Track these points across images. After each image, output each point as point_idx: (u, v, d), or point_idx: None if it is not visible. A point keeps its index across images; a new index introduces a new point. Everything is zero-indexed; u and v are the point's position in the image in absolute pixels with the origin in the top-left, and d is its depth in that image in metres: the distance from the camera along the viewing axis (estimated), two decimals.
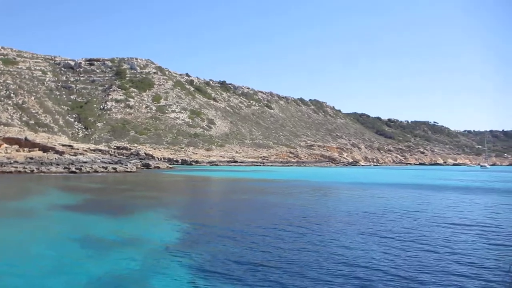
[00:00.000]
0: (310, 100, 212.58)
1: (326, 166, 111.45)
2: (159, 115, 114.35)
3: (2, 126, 62.65)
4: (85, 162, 47.69)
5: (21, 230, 15.77)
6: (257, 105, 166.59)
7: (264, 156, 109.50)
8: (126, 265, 11.15)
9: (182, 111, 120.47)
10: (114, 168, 48.01)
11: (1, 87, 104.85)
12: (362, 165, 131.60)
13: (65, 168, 44.23)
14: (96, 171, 45.83)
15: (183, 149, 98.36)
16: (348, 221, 17.00)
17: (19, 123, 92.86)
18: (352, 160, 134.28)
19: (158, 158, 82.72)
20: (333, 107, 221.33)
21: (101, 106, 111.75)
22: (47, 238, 14.36)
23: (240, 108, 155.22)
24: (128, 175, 46.01)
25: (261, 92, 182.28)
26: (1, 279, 10.29)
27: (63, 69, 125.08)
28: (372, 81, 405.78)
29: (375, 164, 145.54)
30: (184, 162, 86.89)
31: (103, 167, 47.54)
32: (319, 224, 16.61)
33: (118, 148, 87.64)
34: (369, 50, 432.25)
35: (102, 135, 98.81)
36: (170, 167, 68.00)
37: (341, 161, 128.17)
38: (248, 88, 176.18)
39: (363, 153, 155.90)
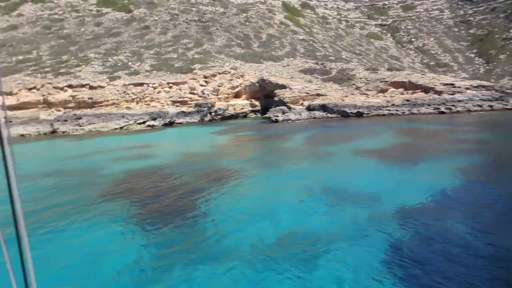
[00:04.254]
0: None
1: None
2: None
3: (394, 71, 67.83)
4: (459, 101, 45.98)
5: (287, 173, 18.32)
6: None
7: None
8: (333, 226, 11.52)
9: None
10: (491, 106, 44.05)
11: (403, 34, 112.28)
12: None
13: (434, 108, 44.40)
14: (469, 110, 43.58)
15: None
16: None
17: (420, 65, 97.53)
18: None
19: None
20: None
21: (503, 36, 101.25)
22: (297, 185, 16.21)
23: None
24: (504, 113, 41.40)
25: None
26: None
27: (459, 3, 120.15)
28: None
29: None
30: None
31: (478, 105, 44.56)
32: None
33: None
34: None
35: (505, 68, 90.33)
36: None
37: None
38: None
39: None
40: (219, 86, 56.98)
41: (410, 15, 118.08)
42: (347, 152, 22.62)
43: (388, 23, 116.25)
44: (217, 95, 55.94)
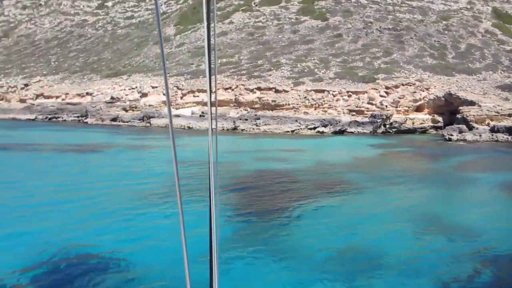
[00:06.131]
0: None
1: None
2: None
3: None
4: None
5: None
6: None
7: None
8: None
9: None
10: None
11: None
12: None
13: None
14: None
15: None
16: None
17: None
18: None
19: None
20: None
21: None
22: (403, 209, 15.70)
23: None
24: None
25: None
26: None
27: None
28: None
29: None
30: None
31: None
32: None
33: None
34: None
35: None
36: None
37: None
38: None
39: None
40: (400, 98, 55.52)
41: None
42: (494, 184, 20.63)
43: None
44: (396, 107, 54.61)
